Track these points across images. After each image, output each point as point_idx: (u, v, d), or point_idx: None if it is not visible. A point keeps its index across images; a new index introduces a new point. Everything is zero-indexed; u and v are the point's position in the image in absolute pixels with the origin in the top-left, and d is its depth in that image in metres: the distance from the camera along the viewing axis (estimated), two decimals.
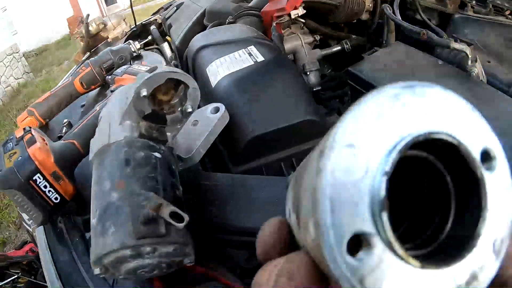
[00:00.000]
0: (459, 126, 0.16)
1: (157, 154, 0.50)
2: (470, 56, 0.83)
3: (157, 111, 0.53)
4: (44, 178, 0.75)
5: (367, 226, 0.14)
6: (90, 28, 2.01)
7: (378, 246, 0.14)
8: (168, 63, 1.59)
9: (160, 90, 0.52)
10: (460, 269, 0.15)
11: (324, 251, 0.14)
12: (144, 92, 0.48)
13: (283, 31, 1.18)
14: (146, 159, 0.48)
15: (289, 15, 1.14)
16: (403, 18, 1.06)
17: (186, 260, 0.47)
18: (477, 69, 0.83)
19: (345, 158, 0.14)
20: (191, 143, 0.67)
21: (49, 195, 0.77)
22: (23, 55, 7.93)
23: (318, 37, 1.23)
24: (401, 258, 0.14)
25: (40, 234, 0.89)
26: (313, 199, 0.14)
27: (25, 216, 1.00)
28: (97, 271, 0.45)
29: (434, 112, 0.16)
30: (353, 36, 1.32)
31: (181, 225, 0.38)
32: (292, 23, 1.20)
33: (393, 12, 1.08)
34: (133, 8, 2.00)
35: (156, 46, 1.87)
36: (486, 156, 0.16)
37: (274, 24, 1.16)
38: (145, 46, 1.90)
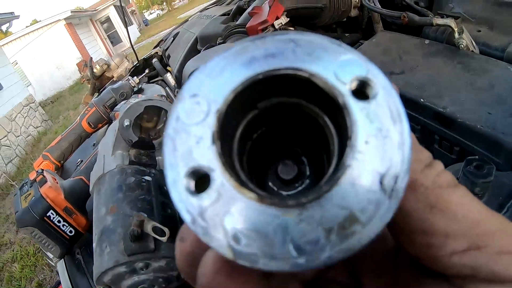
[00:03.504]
0: (318, 63, 0.16)
1: (147, 178, 0.54)
2: (455, 29, 0.82)
3: (144, 138, 0.57)
4: (57, 214, 0.81)
5: (204, 161, 0.15)
6: (95, 70, 2.11)
7: (217, 180, 0.15)
8: (172, 91, 1.66)
9: (143, 118, 0.56)
10: (324, 209, 0.14)
11: (168, 188, 0.15)
12: (127, 122, 0.52)
13: None
14: (137, 183, 0.52)
15: (273, 25, 1.17)
16: (392, 7, 1.05)
17: None
18: (466, 41, 0.82)
19: (189, 105, 0.16)
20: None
21: (63, 229, 0.82)
22: (40, 104, 8.31)
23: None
24: (237, 191, 0.14)
25: (61, 266, 0.94)
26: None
27: (45, 252, 1.05)
28: None
29: (288, 55, 0.16)
30: (346, 35, 1.33)
31: (164, 238, 0.41)
32: None
33: (373, 2, 1.08)
34: (139, 43, 2.10)
35: (160, 78, 1.95)
36: (360, 86, 0.16)
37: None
38: (150, 79, 1.98)
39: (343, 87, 0.15)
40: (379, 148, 0.14)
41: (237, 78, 0.16)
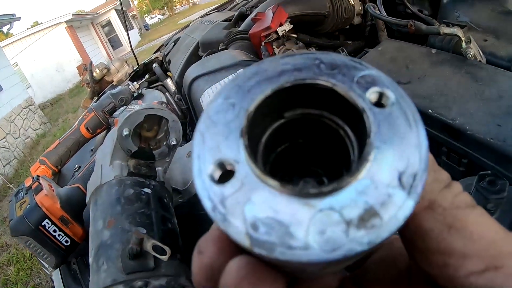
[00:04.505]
0: (341, 77, 0.17)
1: (147, 190, 0.52)
2: (463, 38, 0.81)
3: (144, 147, 0.55)
4: (53, 223, 0.78)
5: (230, 154, 0.16)
6: (94, 74, 2.10)
7: (242, 171, 0.15)
8: (172, 97, 1.64)
9: (143, 127, 0.54)
10: (344, 201, 0.14)
11: (194, 177, 0.15)
12: (125, 132, 0.50)
13: (278, 49, 1.20)
14: (136, 196, 0.50)
15: (276, 32, 1.16)
16: (395, 14, 1.05)
17: None
18: (473, 50, 0.80)
19: (221, 106, 0.17)
20: (187, 176, 0.69)
21: (59, 238, 0.80)
22: (39, 107, 8.29)
23: (313, 50, 1.24)
24: (260, 179, 0.15)
25: (56, 276, 0.91)
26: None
27: (40, 260, 1.03)
28: None
29: (314, 70, 0.17)
30: (349, 42, 1.33)
31: (164, 257, 0.39)
32: (286, 40, 1.22)
33: (378, 10, 1.07)
34: (140, 48, 2.09)
35: (161, 83, 1.93)
36: (378, 97, 0.17)
37: (263, 44, 1.18)
38: (150, 84, 1.97)
39: (363, 96, 0.16)
40: (397, 148, 0.15)
41: (267, 86, 0.17)
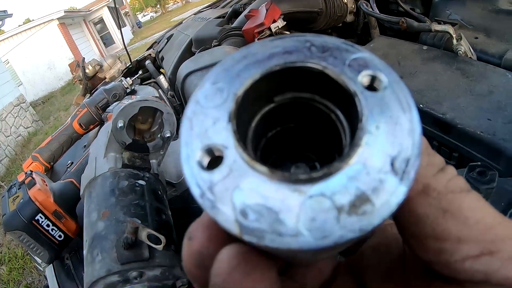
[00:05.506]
0: (332, 60, 0.17)
1: (141, 182, 0.52)
2: (454, 36, 0.83)
3: (138, 140, 0.55)
4: (46, 217, 0.78)
5: (219, 140, 0.15)
6: (87, 70, 2.08)
7: (230, 157, 0.15)
8: (165, 94, 1.63)
9: (138, 119, 0.54)
10: (335, 187, 0.14)
11: (182, 164, 0.15)
12: (120, 123, 0.51)
13: None
14: (130, 188, 0.50)
15: (270, 29, 1.17)
16: (388, 13, 1.06)
17: (178, 283, 0.48)
18: (464, 47, 0.82)
19: (210, 90, 0.17)
20: (181, 169, 0.69)
21: (52, 233, 0.79)
22: (30, 105, 8.20)
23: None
24: (249, 165, 0.15)
25: (49, 272, 0.91)
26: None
27: (33, 256, 1.02)
28: None
29: (304, 53, 0.17)
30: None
31: (159, 246, 0.39)
32: None
33: (371, 8, 1.08)
34: (132, 45, 2.07)
35: (153, 80, 1.92)
36: (371, 81, 0.16)
37: (257, 40, 1.19)
38: (143, 81, 1.96)
39: (355, 80, 0.16)
40: (390, 133, 0.15)
41: (256, 70, 0.17)
